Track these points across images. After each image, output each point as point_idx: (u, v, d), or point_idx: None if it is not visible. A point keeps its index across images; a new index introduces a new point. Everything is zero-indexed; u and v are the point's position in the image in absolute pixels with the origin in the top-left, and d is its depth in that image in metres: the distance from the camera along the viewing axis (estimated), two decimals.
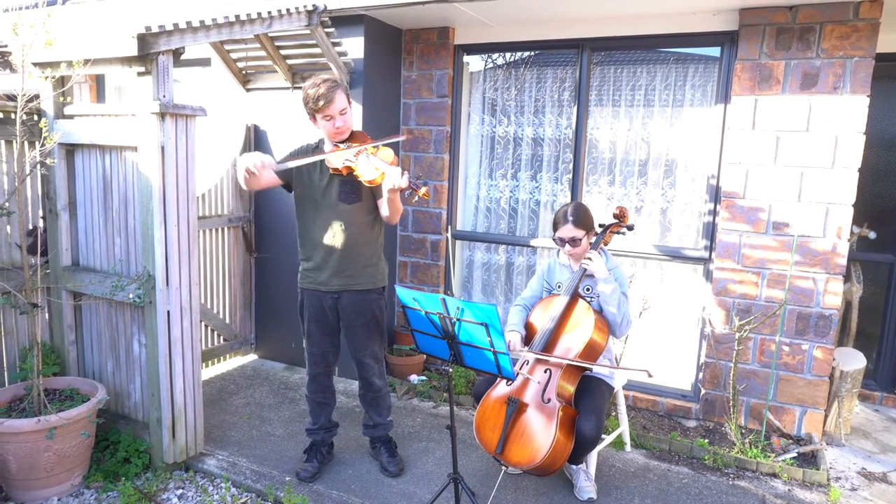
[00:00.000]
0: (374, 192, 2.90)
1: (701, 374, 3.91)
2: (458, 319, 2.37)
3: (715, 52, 3.80)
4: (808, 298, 3.56)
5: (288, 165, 2.78)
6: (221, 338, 4.50)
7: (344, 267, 2.92)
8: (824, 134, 3.45)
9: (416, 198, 2.59)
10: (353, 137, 2.86)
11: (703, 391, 3.88)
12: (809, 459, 3.43)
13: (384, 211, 2.84)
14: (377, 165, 2.69)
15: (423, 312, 2.47)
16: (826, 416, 3.71)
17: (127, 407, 3.29)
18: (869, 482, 3.29)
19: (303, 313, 3.06)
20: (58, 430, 2.78)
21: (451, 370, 2.57)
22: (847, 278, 4.23)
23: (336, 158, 2.79)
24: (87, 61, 2.83)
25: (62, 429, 2.80)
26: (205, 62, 4.66)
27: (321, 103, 2.71)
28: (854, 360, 3.77)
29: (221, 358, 4.56)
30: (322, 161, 2.89)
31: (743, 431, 3.66)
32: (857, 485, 3.25)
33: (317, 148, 2.97)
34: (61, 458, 2.85)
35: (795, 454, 3.43)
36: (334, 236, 2.90)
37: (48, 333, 3.46)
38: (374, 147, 2.80)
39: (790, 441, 3.62)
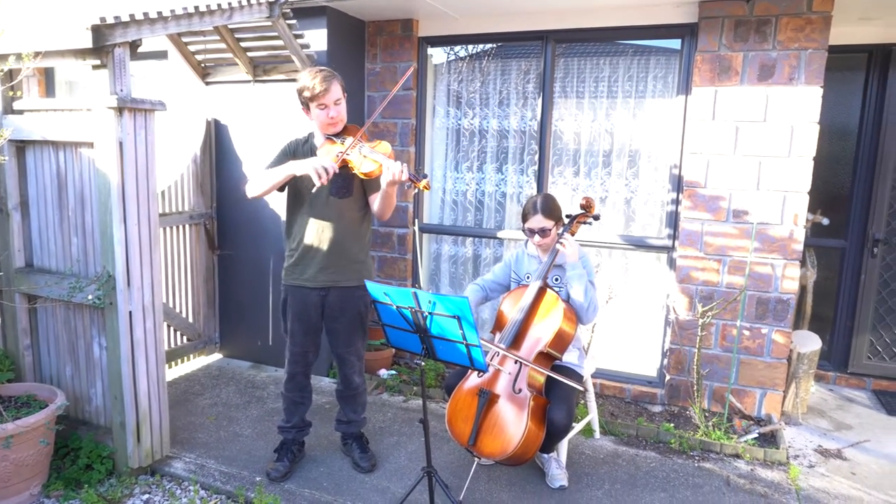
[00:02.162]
0: (367, 186, 2.86)
1: (666, 361, 4.00)
2: (429, 313, 2.37)
3: (676, 44, 3.87)
4: (767, 284, 3.67)
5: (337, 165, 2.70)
6: (185, 337, 4.40)
7: (332, 262, 2.88)
8: (781, 124, 3.55)
9: (416, 190, 2.57)
10: (346, 130, 2.83)
11: (668, 377, 3.97)
12: (769, 439, 3.55)
13: (377, 206, 2.80)
14: (375, 158, 2.65)
15: (395, 307, 2.46)
16: (784, 397, 3.85)
17: (88, 412, 3.19)
18: (825, 459, 3.42)
19: (285, 311, 3.01)
20: (15, 439, 2.68)
21: (423, 364, 2.56)
22: (802, 263, 4.37)
23: (329, 151, 2.74)
24: (37, 54, 2.71)
25: (19, 437, 2.70)
26: (161, 55, 4.52)
27: (317, 90, 2.67)
28: (810, 343, 3.91)
29: (185, 358, 4.46)
30: (313, 153, 2.84)
31: (707, 414, 3.76)
32: (814, 462, 3.38)
33: (307, 142, 2.92)
34: (19, 467, 2.75)
35: (756, 435, 3.54)
36: (324, 231, 2.85)
37: (1, 338, 3.32)
38: (370, 141, 2.77)
39: (751, 422, 3.74)
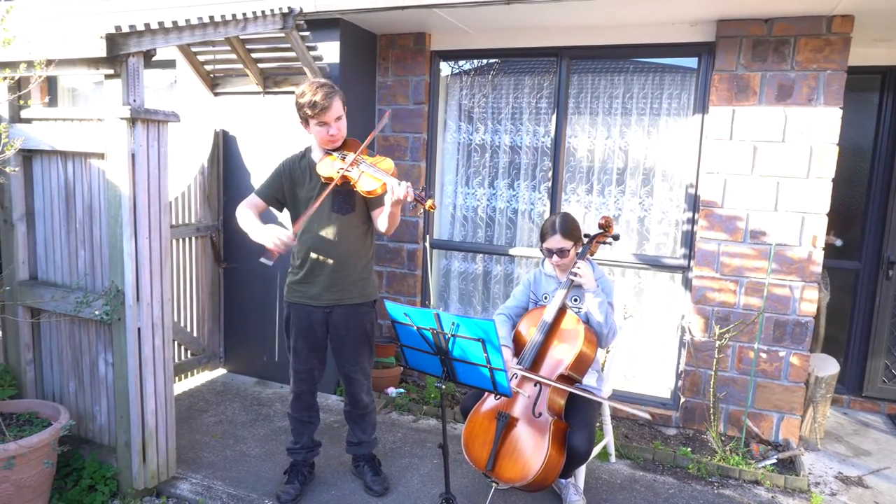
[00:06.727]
0: (369, 202, 2.79)
1: (680, 382, 3.93)
2: (452, 335, 2.30)
3: (692, 62, 3.84)
4: (785, 306, 3.61)
5: (300, 227, 2.66)
6: (189, 352, 4.30)
7: (336, 280, 2.80)
8: (799, 144, 3.51)
9: (422, 210, 2.50)
10: (346, 145, 2.76)
11: (682, 399, 3.90)
12: (788, 465, 3.47)
13: (382, 223, 2.73)
14: (377, 176, 2.58)
15: (415, 328, 2.39)
16: (801, 422, 3.78)
17: (91, 430, 3.09)
18: (846, 486, 3.35)
19: (289, 329, 2.92)
20: (17, 459, 2.58)
21: (443, 387, 2.48)
22: None
23: (329, 167, 2.67)
24: (49, 62, 2.65)
25: (22, 458, 2.59)
26: (169, 64, 4.47)
27: (318, 108, 2.60)
28: (828, 366, 3.85)
29: (189, 373, 4.36)
30: (312, 169, 2.77)
31: (723, 439, 3.68)
32: (835, 489, 3.30)
33: (304, 157, 2.85)
34: (20, 489, 2.64)
35: (775, 460, 3.46)
36: (328, 248, 2.78)
37: (2, 353, 3.22)
38: (372, 157, 2.70)
39: (769, 447, 3.66)
